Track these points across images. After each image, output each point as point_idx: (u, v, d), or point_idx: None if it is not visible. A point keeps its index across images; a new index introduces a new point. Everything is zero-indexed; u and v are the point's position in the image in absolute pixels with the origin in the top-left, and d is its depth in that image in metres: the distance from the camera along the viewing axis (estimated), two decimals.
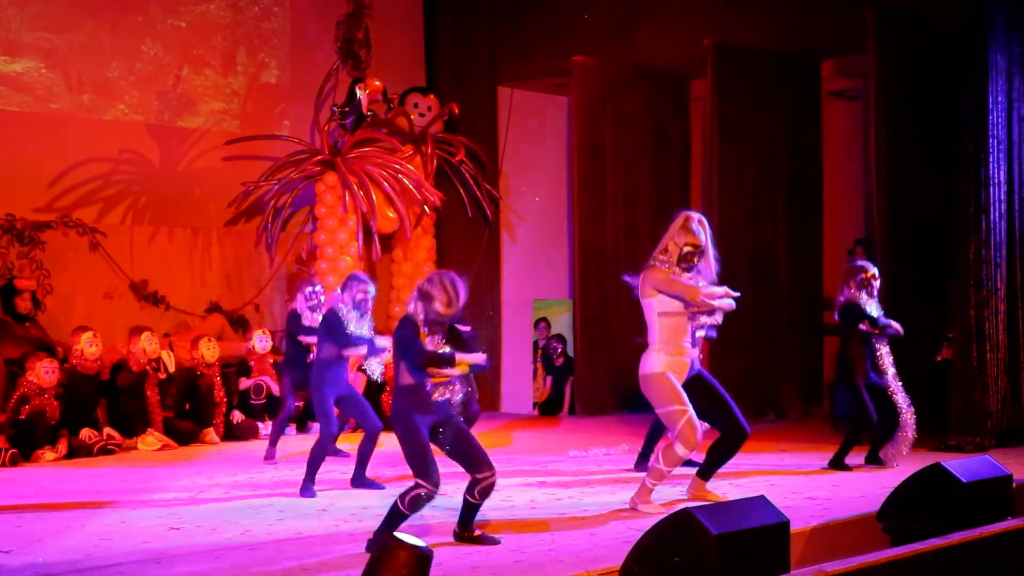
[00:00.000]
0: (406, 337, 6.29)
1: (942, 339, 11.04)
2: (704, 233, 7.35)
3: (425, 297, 6.31)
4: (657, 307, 7.32)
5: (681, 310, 7.32)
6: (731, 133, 12.32)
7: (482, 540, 6.46)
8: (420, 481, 6.21)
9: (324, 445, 8.26)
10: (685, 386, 7.35)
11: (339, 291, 8.60)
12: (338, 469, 9.10)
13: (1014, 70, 10.18)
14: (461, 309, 6.40)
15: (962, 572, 5.71)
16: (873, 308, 8.96)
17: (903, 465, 8.70)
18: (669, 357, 7.30)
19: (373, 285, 8.56)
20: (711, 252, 7.41)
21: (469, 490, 6.44)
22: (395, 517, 6.26)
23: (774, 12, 12.49)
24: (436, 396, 6.37)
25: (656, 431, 8.89)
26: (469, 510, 6.50)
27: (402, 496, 6.26)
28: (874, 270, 9.04)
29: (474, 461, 6.42)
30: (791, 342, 12.73)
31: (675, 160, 13.84)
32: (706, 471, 7.70)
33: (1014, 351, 10.16)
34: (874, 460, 9.09)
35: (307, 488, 8.09)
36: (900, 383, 8.94)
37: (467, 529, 6.51)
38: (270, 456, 9.69)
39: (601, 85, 13.35)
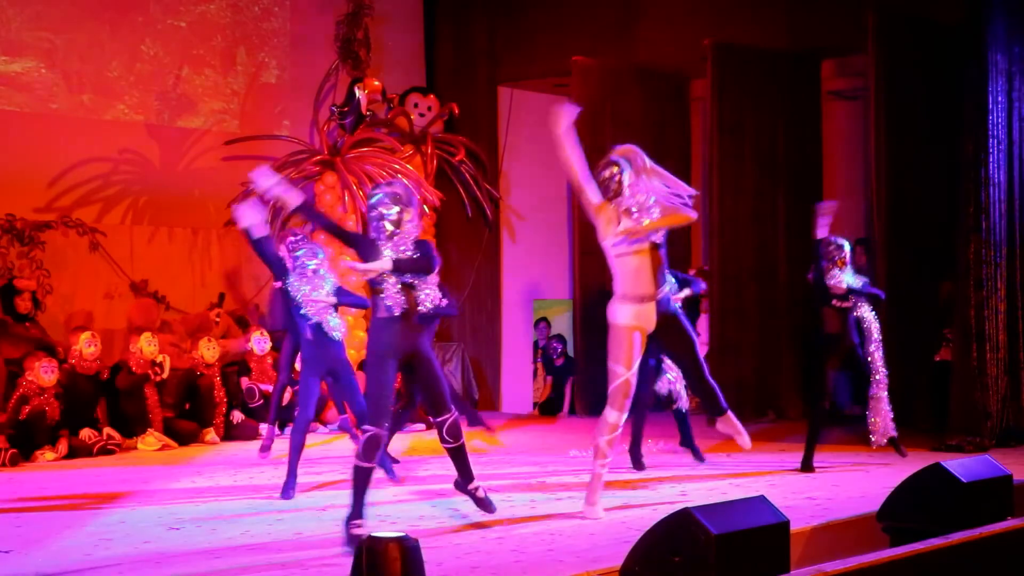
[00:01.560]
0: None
1: (941, 339, 11.04)
2: (615, 159, 7.19)
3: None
4: (611, 250, 7.17)
5: (631, 249, 7.12)
6: (731, 133, 12.32)
7: (481, 503, 6.66)
8: (369, 427, 6.29)
9: (298, 430, 8.15)
10: (658, 328, 7.22)
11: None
12: (338, 469, 9.11)
13: (1014, 70, 10.18)
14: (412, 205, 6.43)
15: (962, 572, 5.71)
16: (850, 278, 8.94)
17: (903, 464, 8.69)
18: (634, 306, 7.13)
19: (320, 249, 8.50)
20: (647, 175, 7.20)
21: (441, 438, 6.59)
22: (360, 475, 6.28)
23: (774, 12, 12.50)
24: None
25: (637, 428, 8.93)
26: (456, 457, 6.65)
27: (357, 453, 6.32)
28: (840, 242, 9.00)
29: (435, 403, 6.54)
30: (791, 342, 12.73)
31: (675, 160, 13.81)
32: (716, 407, 7.60)
33: (1014, 351, 10.16)
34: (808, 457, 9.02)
35: (286, 489, 8.01)
36: (882, 352, 8.92)
37: (468, 479, 6.68)
38: (266, 448, 9.66)
39: (601, 85, 13.35)
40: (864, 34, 11.10)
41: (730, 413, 7.64)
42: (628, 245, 7.12)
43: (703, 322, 13.08)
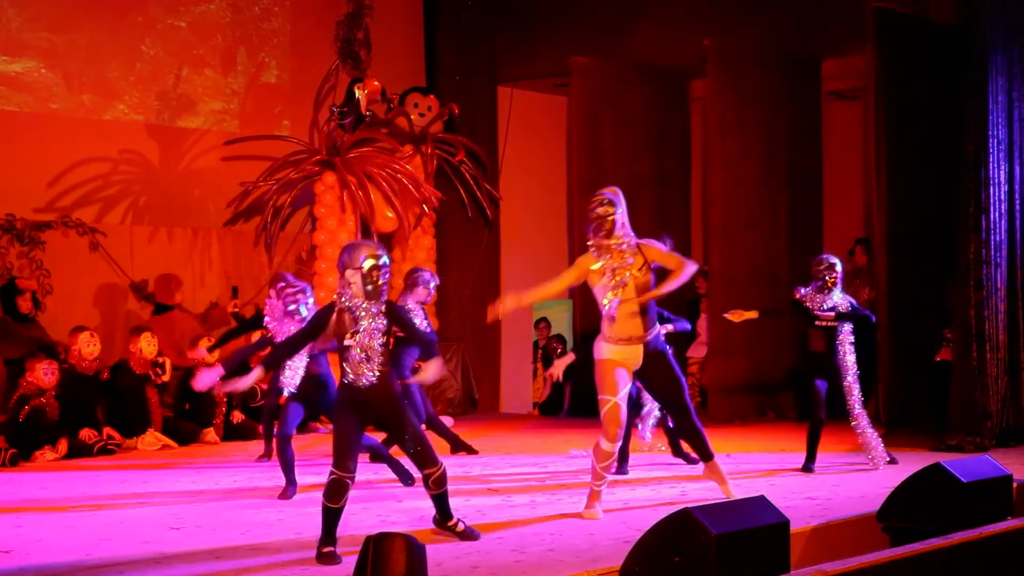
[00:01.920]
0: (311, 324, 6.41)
1: (941, 339, 11.04)
2: (611, 197, 7.25)
3: (347, 265, 6.29)
4: (599, 298, 7.26)
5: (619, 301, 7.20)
6: (731, 133, 12.32)
7: (463, 534, 6.53)
8: (335, 469, 6.22)
9: (282, 446, 8.12)
10: (645, 366, 7.27)
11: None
12: None
13: (1014, 70, 10.18)
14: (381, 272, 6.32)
15: (962, 572, 5.71)
16: (838, 297, 8.93)
17: (903, 464, 8.70)
18: (612, 345, 7.23)
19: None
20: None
21: (427, 488, 6.52)
22: (328, 513, 6.21)
23: (774, 12, 12.49)
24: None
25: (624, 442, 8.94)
26: (438, 501, 6.56)
27: (324, 493, 6.24)
28: (831, 261, 8.95)
29: (422, 457, 6.45)
30: (791, 342, 12.72)
31: (675, 160, 13.84)
32: (702, 452, 7.64)
33: (1014, 351, 10.16)
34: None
35: (285, 491, 8.03)
36: (859, 384, 8.89)
37: (447, 518, 6.57)
38: (265, 454, 9.67)
39: (601, 85, 13.35)
40: (864, 34, 11.10)
41: (716, 460, 7.62)
42: (620, 302, 7.17)
43: (703, 322, 13.09)
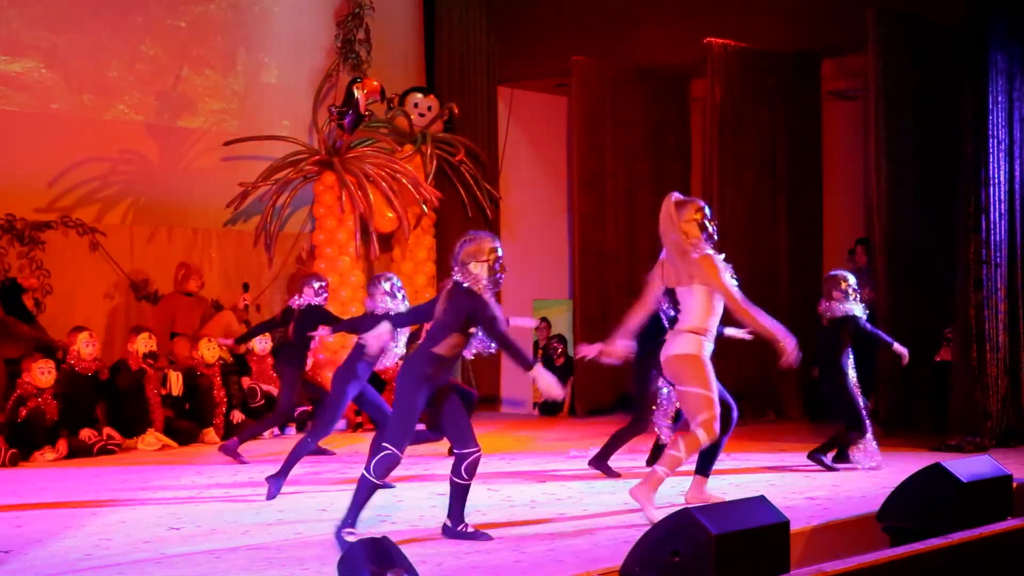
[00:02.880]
0: (491, 311, 6.48)
1: (941, 339, 11.04)
2: (703, 204, 7.37)
3: (473, 257, 6.47)
4: (730, 291, 7.31)
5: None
6: (731, 133, 12.31)
7: (476, 536, 6.49)
8: (389, 445, 6.30)
9: (314, 441, 8.14)
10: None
11: (371, 295, 8.37)
12: (338, 469, 9.11)
13: (1014, 70, 10.18)
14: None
15: (962, 572, 5.71)
16: (858, 310, 9.04)
17: (903, 464, 8.69)
18: (711, 344, 7.28)
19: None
20: None
21: (456, 470, 6.49)
22: (366, 488, 6.30)
23: (774, 12, 12.49)
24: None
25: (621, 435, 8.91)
26: (460, 494, 6.52)
27: (369, 466, 6.31)
28: (851, 276, 9.19)
29: (463, 435, 6.51)
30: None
31: (675, 160, 13.84)
32: (704, 465, 7.65)
33: (1014, 351, 10.16)
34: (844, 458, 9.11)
35: (275, 484, 7.98)
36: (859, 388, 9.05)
37: (460, 521, 6.52)
38: (232, 447, 9.63)
39: (601, 85, 13.35)
40: (864, 34, 11.10)
41: (707, 487, 7.62)
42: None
43: None
